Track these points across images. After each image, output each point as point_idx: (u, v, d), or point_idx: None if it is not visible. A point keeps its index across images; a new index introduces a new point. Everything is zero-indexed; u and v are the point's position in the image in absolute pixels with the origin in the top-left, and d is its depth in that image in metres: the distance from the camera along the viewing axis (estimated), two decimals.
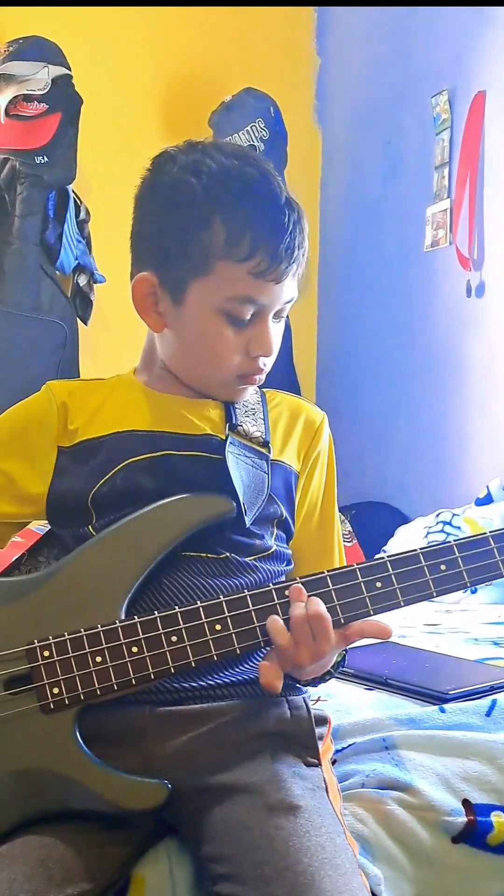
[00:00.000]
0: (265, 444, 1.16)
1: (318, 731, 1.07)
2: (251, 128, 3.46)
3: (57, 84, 3.14)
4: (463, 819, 1.12)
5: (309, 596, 1.01)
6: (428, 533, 2.91)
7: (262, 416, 1.18)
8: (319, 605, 1.00)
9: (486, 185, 2.95)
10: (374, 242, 3.64)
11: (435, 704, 1.33)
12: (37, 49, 3.12)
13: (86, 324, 3.39)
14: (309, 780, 1.00)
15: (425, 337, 3.31)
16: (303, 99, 3.93)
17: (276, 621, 1.00)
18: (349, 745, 1.22)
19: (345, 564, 1.18)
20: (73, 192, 3.30)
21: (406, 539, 2.99)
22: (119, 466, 1.10)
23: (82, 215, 3.31)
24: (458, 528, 2.84)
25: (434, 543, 1.07)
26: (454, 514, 2.90)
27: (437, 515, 2.95)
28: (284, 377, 3.68)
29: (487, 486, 2.87)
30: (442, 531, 2.88)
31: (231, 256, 1.07)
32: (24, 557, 1.18)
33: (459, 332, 3.10)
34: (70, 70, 3.20)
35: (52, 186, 3.22)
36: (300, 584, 1.02)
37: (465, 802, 1.14)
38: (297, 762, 1.02)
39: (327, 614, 1.00)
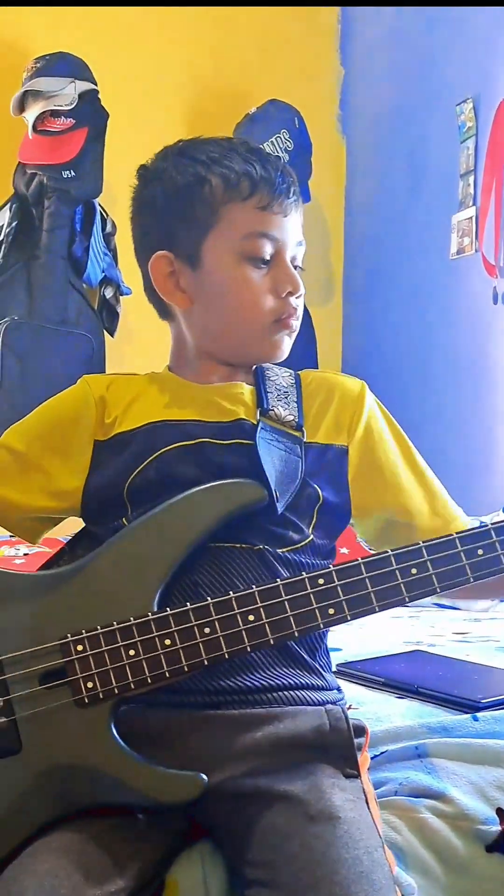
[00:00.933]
0: (298, 427, 1.15)
1: (356, 741, 1.06)
2: (276, 139, 3.48)
3: (84, 99, 3.17)
4: (497, 828, 1.11)
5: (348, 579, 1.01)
6: None
7: (294, 399, 1.18)
8: None
9: None
10: (399, 250, 3.64)
11: (467, 713, 1.33)
12: (63, 65, 3.15)
13: (112, 336, 3.42)
14: (349, 792, 1.00)
15: (452, 344, 3.31)
16: (327, 109, 3.94)
17: None
18: (382, 753, 1.22)
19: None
20: (100, 205, 3.33)
21: None
22: (152, 457, 1.11)
23: (108, 228, 3.33)
24: None
25: (471, 529, 1.06)
26: (481, 522, 2.88)
27: None
28: None
29: None
30: None
31: (234, 198, 1.13)
32: (65, 551, 1.18)
33: (486, 339, 3.09)
34: (96, 85, 3.23)
35: (79, 200, 3.25)
36: None
37: (499, 811, 1.14)
38: (336, 773, 1.02)
39: None
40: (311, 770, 1.00)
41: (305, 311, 3.72)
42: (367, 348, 3.88)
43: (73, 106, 3.14)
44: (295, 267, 1.18)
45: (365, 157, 3.91)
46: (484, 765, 1.19)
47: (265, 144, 3.47)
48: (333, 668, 1.56)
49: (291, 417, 1.15)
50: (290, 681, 1.06)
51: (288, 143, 3.49)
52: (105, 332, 3.41)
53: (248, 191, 1.13)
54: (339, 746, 1.04)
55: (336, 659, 1.65)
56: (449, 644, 1.93)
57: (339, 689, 1.14)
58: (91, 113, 3.21)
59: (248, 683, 1.04)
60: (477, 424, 3.15)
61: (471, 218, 3.13)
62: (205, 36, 3.70)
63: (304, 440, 1.14)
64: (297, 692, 1.06)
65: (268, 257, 1.14)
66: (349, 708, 1.36)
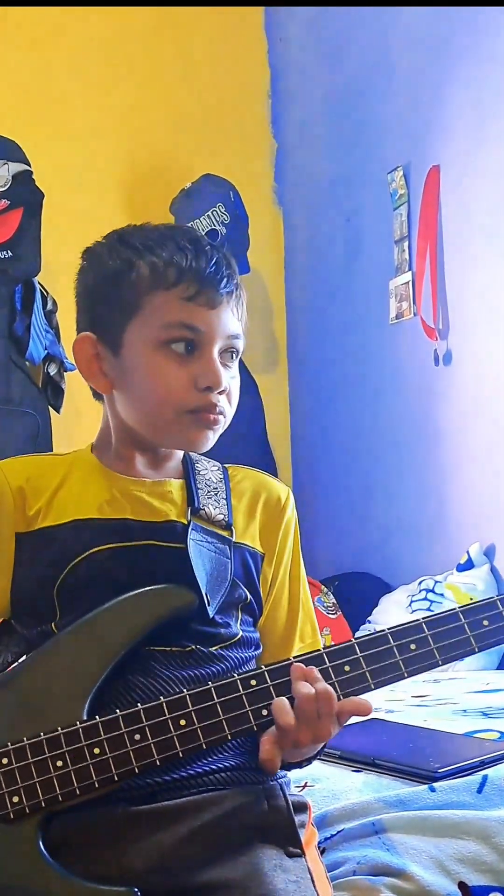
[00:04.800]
0: (228, 526, 1.14)
1: (298, 818, 1.04)
2: (212, 213, 3.52)
3: (17, 180, 3.20)
4: None
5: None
6: (412, 601, 2.90)
7: (224, 496, 1.16)
8: (327, 685, 0.99)
9: (445, 255, 3.00)
10: (340, 317, 3.68)
11: (424, 783, 1.30)
12: None
13: (58, 412, 3.40)
14: (292, 872, 0.97)
15: (397, 407, 3.33)
16: (262, 181, 4.01)
17: (281, 701, 0.98)
18: (339, 832, 1.20)
19: (318, 640, 1.18)
20: (40, 283, 3.33)
21: (390, 608, 2.97)
22: (81, 557, 1.08)
23: (49, 306, 3.33)
24: (441, 594, 2.82)
25: (403, 623, 1.06)
26: (436, 582, 2.88)
27: (420, 583, 2.94)
28: (259, 453, 3.68)
29: (468, 552, 2.86)
30: (425, 598, 2.87)
31: (159, 286, 1.10)
32: None
33: (430, 401, 3.12)
34: (30, 166, 3.26)
35: (17, 279, 3.25)
36: (301, 664, 1.01)
37: (462, 885, 1.12)
38: (279, 853, 0.99)
39: (334, 693, 0.99)
40: (251, 854, 0.98)
41: (252, 380, 3.71)
42: (314, 414, 3.90)
43: (6, 187, 3.16)
44: (229, 360, 1.13)
45: (302, 226, 3.97)
46: (443, 837, 1.17)
47: (201, 218, 3.51)
48: None
49: (221, 516, 1.14)
50: (224, 763, 1.04)
51: (224, 216, 3.53)
52: (51, 410, 3.39)
53: (173, 279, 1.09)
54: (279, 826, 1.02)
55: None
56: (407, 709, 1.90)
57: None
58: (26, 193, 3.23)
59: (184, 774, 1.01)
60: (427, 483, 3.17)
61: (407, 283, 3.18)
62: (138, 113, 3.76)
63: (233, 540, 1.13)
64: (232, 773, 1.04)
65: (189, 348, 1.10)
66: (305, 786, 1.33)
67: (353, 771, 1.42)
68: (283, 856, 0.99)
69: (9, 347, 3.27)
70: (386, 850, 1.15)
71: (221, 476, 1.19)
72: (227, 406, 1.13)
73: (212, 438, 1.14)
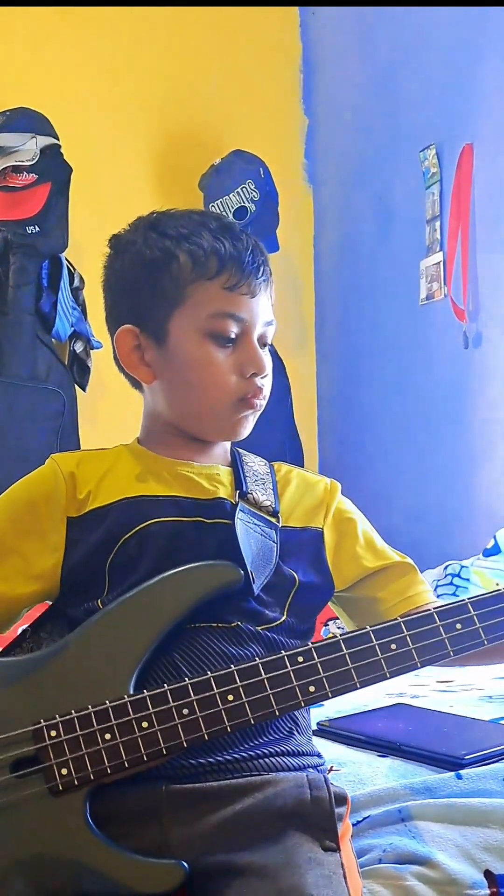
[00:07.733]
0: (274, 513, 1.15)
1: (337, 811, 1.03)
2: (241, 189, 3.49)
3: (45, 154, 3.18)
4: (486, 892, 1.07)
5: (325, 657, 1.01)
6: (437, 586, 2.87)
7: (271, 487, 1.19)
8: None
9: (478, 236, 2.96)
10: (369, 298, 3.65)
11: (451, 770, 1.29)
12: (24, 120, 3.16)
13: (84, 390, 3.39)
14: (326, 867, 0.96)
15: (425, 389, 3.30)
16: (292, 158, 3.97)
17: None
18: (364, 819, 1.18)
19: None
20: (67, 260, 3.32)
21: None
22: (131, 533, 1.09)
23: (76, 283, 3.32)
24: (468, 579, 2.80)
25: (449, 602, 1.07)
26: (462, 566, 2.86)
27: (446, 568, 2.91)
28: (287, 435, 3.66)
29: (494, 537, 2.83)
30: (451, 584, 2.85)
31: (201, 276, 1.12)
32: (27, 634, 1.16)
33: (459, 384, 3.09)
34: (58, 139, 3.24)
35: (44, 256, 3.24)
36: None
37: (488, 874, 1.10)
38: (314, 846, 0.98)
39: None
40: (287, 844, 0.97)
41: (279, 361, 3.71)
42: (341, 396, 3.88)
43: (34, 161, 3.14)
44: (264, 345, 1.17)
45: (332, 205, 3.93)
46: (469, 825, 1.16)
47: (231, 195, 3.48)
48: (314, 727, 1.53)
49: (269, 503, 1.15)
50: (269, 749, 1.04)
51: (254, 193, 3.50)
52: (77, 387, 3.38)
53: (215, 269, 1.12)
54: (319, 818, 1.01)
55: (318, 715, 1.61)
56: (433, 694, 1.89)
57: (318, 755, 1.11)
58: (54, 167, 3.21)
59: (227, 757, 1.01)
60: (455, 468, 3.14)
61: (438, 263, 3.14)
62: (168, 88, 3.73)
63: (280, 525, 1.15)
64: (276, 759, 1.03)
65: (233, 336, 1.13)
66: (331, 769, 1.31)
67: (379, 756, 1.40)
68: (319, 849, 0.98)
69: (35, 324, 3.26)
70: (412, 837, 1.13)
71: (268, 469, 1.21)
72: (266, 388, 1.17)
73: (252, 423, 1.18)
